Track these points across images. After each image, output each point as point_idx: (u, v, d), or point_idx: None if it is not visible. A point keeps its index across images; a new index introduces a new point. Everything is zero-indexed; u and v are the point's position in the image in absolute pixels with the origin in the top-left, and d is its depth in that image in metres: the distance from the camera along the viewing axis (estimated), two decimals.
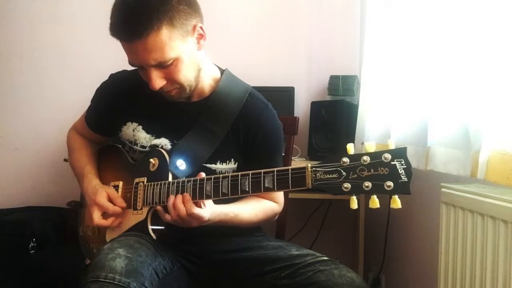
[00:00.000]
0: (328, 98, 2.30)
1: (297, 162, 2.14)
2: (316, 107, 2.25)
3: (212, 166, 1.35)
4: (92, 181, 1.40)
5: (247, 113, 1.37)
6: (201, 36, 1.28)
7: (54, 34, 2.48)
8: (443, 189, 1.32)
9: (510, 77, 1.16)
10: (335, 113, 2.16)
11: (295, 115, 2.29)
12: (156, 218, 1.28)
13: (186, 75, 1.27)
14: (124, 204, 1.32)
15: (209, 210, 1.21)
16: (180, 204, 1.18)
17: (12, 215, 2.19)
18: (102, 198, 1.31)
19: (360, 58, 2.30)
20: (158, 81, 1.24)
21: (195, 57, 1.28)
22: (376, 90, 1.85)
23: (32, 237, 2.05)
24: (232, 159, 1.37)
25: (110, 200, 1.32)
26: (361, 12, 2.39)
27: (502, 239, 1.07)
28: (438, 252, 1.34)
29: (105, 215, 1.32)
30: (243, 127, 1.37)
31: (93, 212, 1.31)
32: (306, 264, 1.23)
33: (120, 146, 1.47)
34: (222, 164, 1.36)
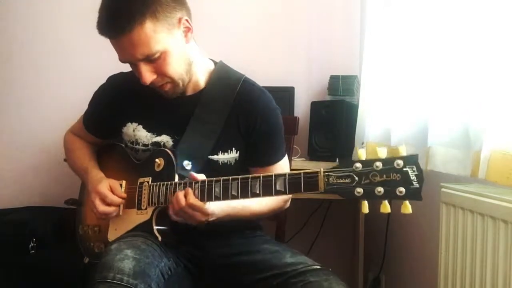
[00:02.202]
0: (328, 98, 2.30)
1: (297, 162, 2.14)
2: (316, 107, 2.25)
3: (214, 157, 1.35)
4: (98, 174, 1.41)
5: (244, 100, 1.37)
6: (188, 29, 1.29)
7: (54, 34, 2.48)
8: (443, 189, 1.32)
9: (510, 77, 1.16)
10: (335, 113, 2.16)
11: (295, 115, 2.29)
12: (160, 219, 1.28)
13: (175, 68, 1.28)
14: (124, 195, 1.34)
15: (213, 204, 1.20)
16: (181, 195, 1.19)
17: (12, 215, 2.19)
18: (103, 187, 1.33)
19: (360, 58, 2.30)
20: (148, 75, 1.25)
21: (183, 50, 1.29)
22: (376, 90, 1.85)
23: (32, 237, 2.05)
24: (234, 148, 1.37)
25: (111, 189, 1.33)
26: (361, 12, 2.39)
27: (502, 239, 1.07)
28: (438, 252, 1.34)
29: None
30: (242, 115, 1.36)
31: (94, 200, 1.32)
32: (297, 273, 1.21)
33: (123, 145, 1.48)
34: (223, 154, 1.36)
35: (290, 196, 1.43)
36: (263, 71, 2.38)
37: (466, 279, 1.20)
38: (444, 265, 1.31)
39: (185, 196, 1.18)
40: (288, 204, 1.46)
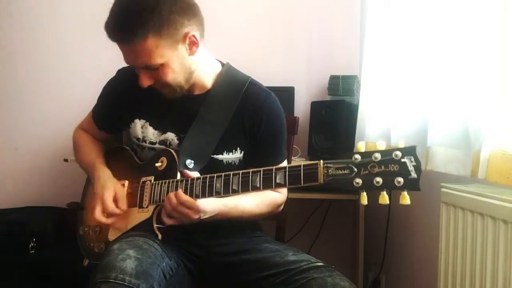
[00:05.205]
0: (328, 98, 2.30)
1: (297, 162, 2.13)
2: (316, 107, 2.25)
3: (219, 156, 1.37)
4: (104, 173, 1.41)
5: (250, 101, 1.39)
6: (194, 43, 1.30)
7: (55, 33, 2.48)
8: (443, 189, 1.32)
9: (510, 77, 1.16)
10: (335, 113, 2.16)
11: (295, 115, 2.28)
12: (160, 217, 1.29)
13: (173, 78, 1.30)
14: (124, 207, 1.34)
15: (203, 201, 1.22)
16: (172, 194, 1.21)
17: (12, 215, 2.19)
18: (108, 197, 1.33)
19: (360, 58, 2.30)
20: (146, 80, 1.29)
21: (185, 62, 1.31)
22: (376, 90, 1.85)
23: (32, 237, 2.05)
24: (238, 148, 1.39)
25: (116, 199, 1.33)
26: (361, 12, 2.39)
27: (502, 239, 1.07)
28: (438, 252, 1.34)
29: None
30: (247, 116, 1.38)
31: (95, 207, 1.33)
32: (301, 270, 1.21)
33: (128, 148, 1.49)
34: (228, 154, 1.38)
35: (283, 199, 1.45)
36: (263, 71, 2.36)
37: (466, 279, 1.20)
38: (444, 265, 1.31)
39: (176, 195, 1.21)
40: (281, 208, 1.47)
